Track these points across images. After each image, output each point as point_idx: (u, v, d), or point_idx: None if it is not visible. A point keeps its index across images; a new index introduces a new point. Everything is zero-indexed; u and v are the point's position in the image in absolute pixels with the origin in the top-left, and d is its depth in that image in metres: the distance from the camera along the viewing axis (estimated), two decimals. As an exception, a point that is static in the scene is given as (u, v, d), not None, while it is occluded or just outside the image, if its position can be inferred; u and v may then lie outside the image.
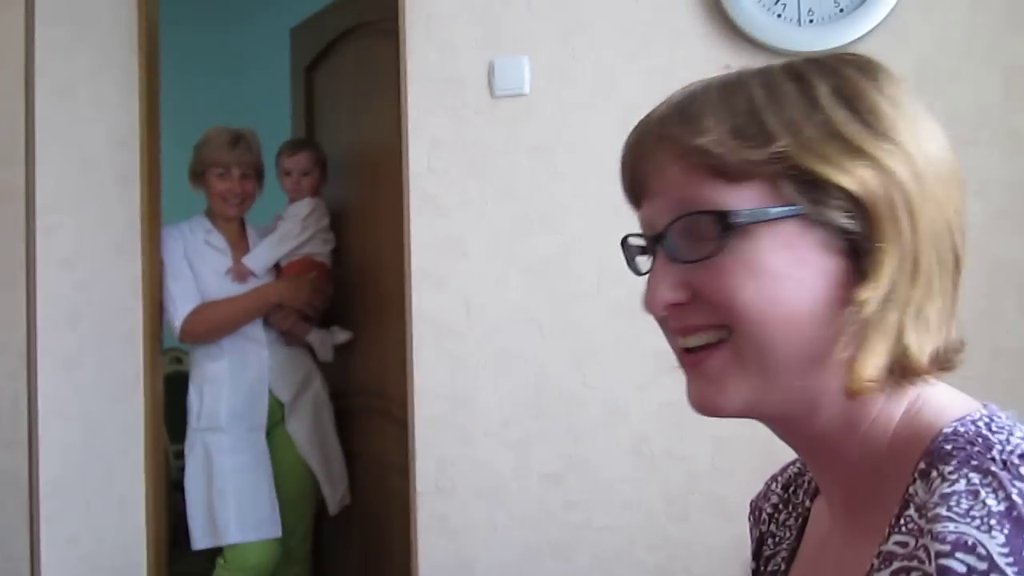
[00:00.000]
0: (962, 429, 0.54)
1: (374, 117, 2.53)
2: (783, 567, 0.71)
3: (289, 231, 2.64)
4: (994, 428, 0.54)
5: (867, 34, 1.81)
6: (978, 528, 0.46)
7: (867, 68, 0.61)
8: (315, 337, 2.68)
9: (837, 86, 0.59)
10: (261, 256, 2.62)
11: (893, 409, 0.58)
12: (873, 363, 0.54)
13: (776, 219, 0.55)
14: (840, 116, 0.57)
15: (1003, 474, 0.48)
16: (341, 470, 2.73)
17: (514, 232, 2.00)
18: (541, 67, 2.00)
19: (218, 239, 2.62)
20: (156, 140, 2.58)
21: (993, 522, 0.46)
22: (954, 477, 0.50)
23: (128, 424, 2.46)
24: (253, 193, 2.65)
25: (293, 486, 2.63)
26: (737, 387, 0.57)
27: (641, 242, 0.63)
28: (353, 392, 2.75)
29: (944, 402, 0.58)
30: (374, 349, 2.58)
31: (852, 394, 0.55)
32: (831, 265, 0.56)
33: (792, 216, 0.56)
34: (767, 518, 0.77)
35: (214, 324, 2.51)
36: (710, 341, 0.58)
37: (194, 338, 2.53)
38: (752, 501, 0.81)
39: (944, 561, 0.45)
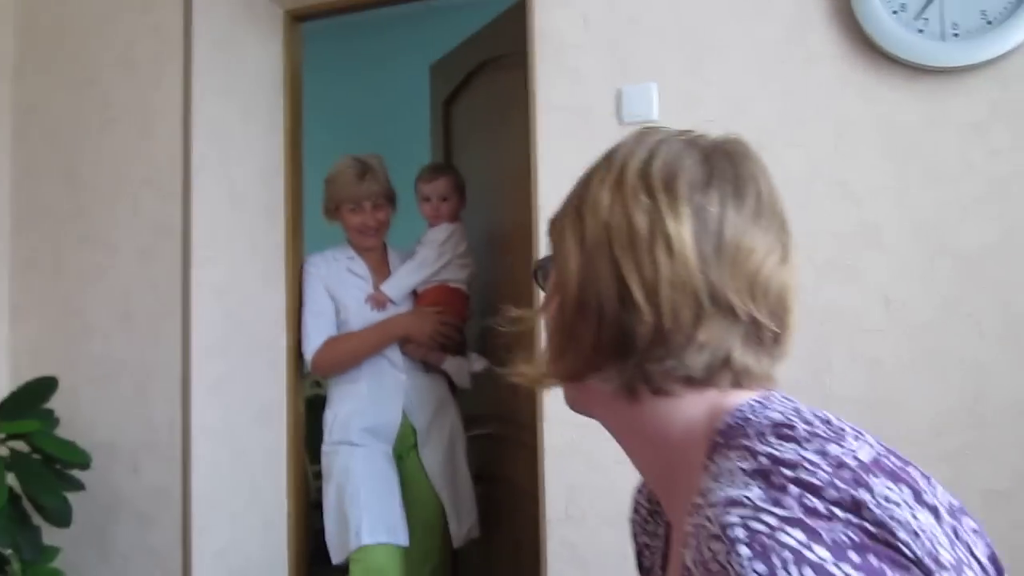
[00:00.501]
0: (731, 422, 0.62)
1: (506, 146, 2.58)
2: (660, 574, 0.77)
3: (427, 257, 2.62)
4: (756, 411, 0.62)
5: (1018, 46, 1.72)
6: (739, 487, 0.53)
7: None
8: (451, 365, 2.64)
9: None
10: (399, 283, 2.61)
11: (695, 427, 0.65)
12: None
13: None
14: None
15: (754, 443, 0.57)
16: (470, 504, 2.67)
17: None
18: (669, 93, 1.99)
19: (360, 266, 2.62)
20: (299, 176, 2.73)
21: (748, 479, 0.54)
22: (721, 460, 0.58)
23: (272, 445, 2.58)
24: (387, 220, 2.64)
25: (421, 514, 2.55)
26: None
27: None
28: (486, 418, 2.79)
29: (729, 405, 0.65)
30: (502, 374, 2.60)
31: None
32: None
33: None
34: (639, 530, 0.82)
35: (339, 358, 2.53)
36: None
37: (323, 371, 2.57)
38: (630, 518, 0.85)
39: (722, 518, 0.52)
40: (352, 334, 2.52)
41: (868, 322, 1.82)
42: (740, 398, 0.65)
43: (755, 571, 0.48)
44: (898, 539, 0.51)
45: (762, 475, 0.53)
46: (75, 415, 2.41)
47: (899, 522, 0.52)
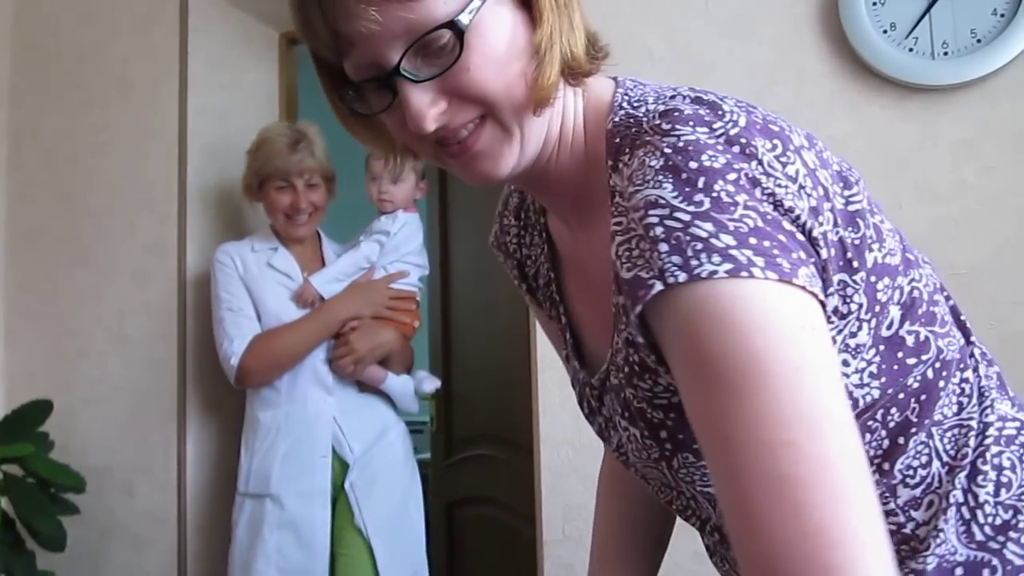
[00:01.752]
0: (618, 119, 0.68)
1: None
2: (551, 274, 0.84)
3: (370, 251, 2.15)
4: (635, 103, 0.68)
5: (1008, 64, 1.73)
6: (653, 187, 0.58)
7: None
8: (395, 385, 2.13)
9: None
10: (333, 277, 2.12)
11: (576, 119, 0.73)
12: (552, 74, 0.66)
13: (482, 5, 0.64)
14: None
15: (653, 139, 0.60)
16: (415, 561, 2.10)
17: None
18: (663, 113, 2.00)
19: (285, 260, 2.13)
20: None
21: (660, 177, 0.58)
22: (629, 159, 0.63)
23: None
24: (323, 204, 2.16)
25: (346, 571, 2.02)
26: (509, 151, 0.68)
27: (368, 84, 0.68)
28: (481, 439, 2.79)
29: (596, 95, 0.73)
30: (500, 394, 2.60)
31: (539, 105, 0.66)
32: (520, 23, 0.66)
33: None
34: (516, 247, 0.90)
35: (275, 358, 2.01)
36: (472, 125, 0.67)
37: (256, 379, 2.02)
38: (492, 243, 0.95)
39: (643, 220, 0.57)
40: (286, 327, 2.03)
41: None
42: (603, 92, 0.74)
43: (672, 263, 0.55)
44: (783, 209, 0.58)
45: (671, 171, 0.58)
46: (70, 438, 2.40)
47: (783, 189, 0.59)
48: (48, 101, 2.63)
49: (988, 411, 0.72)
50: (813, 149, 0.65)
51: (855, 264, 0.64)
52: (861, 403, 0.66)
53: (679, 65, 2.00)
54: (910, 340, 0.68)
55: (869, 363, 0.66)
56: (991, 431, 0.70)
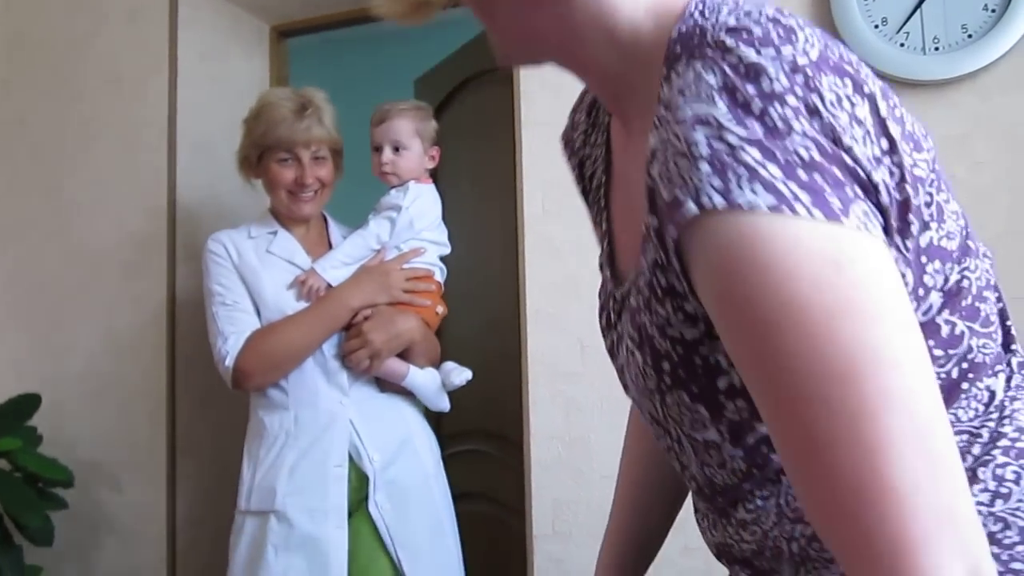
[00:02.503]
0: (684, 29, 0.62)
1: (490, 160, 2.58)
2: (603, 178, 0.83)
3: (381, 229, 1.87)
4: (706, 13, 0.62)
5: (998, 60, 1.73)
6: (705, 103, 0.55)
7: None
8: (420, 379, 1.87)
9: None
10: (340, 261, 1.85)
11: (635, 16, 0.67)
12: None
13: None
14: None
15: (715, 54, 0.56)
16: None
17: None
18: (654, 107, 2.00)
19: (288, 245, 1.87)
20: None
21: (714, 95, 0.55)
22: (684, 70, 0.58)
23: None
24: (330, 180, 1.91)
25: None
26: (494, 36, 0.73)
27: None
28: (470, 434, 2.78)
29: (673, 7, 0.66)
30: (490, 389, 2.60)
31: None
32: None
33: None
34: (581, 144, 0.89)
35: (276, 357, 1.75)
36: None
37: (254, 381, 1.76)
38: (562, 137, 0.93)
39: (688, 136, 0.54)
40: (286, 320, 1.77)
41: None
42: None
43: (711, 185, 0.53)
44: (843, 146, 0.54)
45: (728, 91, 0.55)
46: (58, 432, 2.39)
47: (845, 127, 0.55)
48: (36, 92, 2.61)
49: (1006, 422, 0.66)
50: (887, 100, 0.60)
51: (912, 230, 0.60)
52: None
53: (671, 59, 1.99)
54: (945, 330, 0.64)
55: None
56: (1003, 442, 0.65)
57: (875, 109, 0.58)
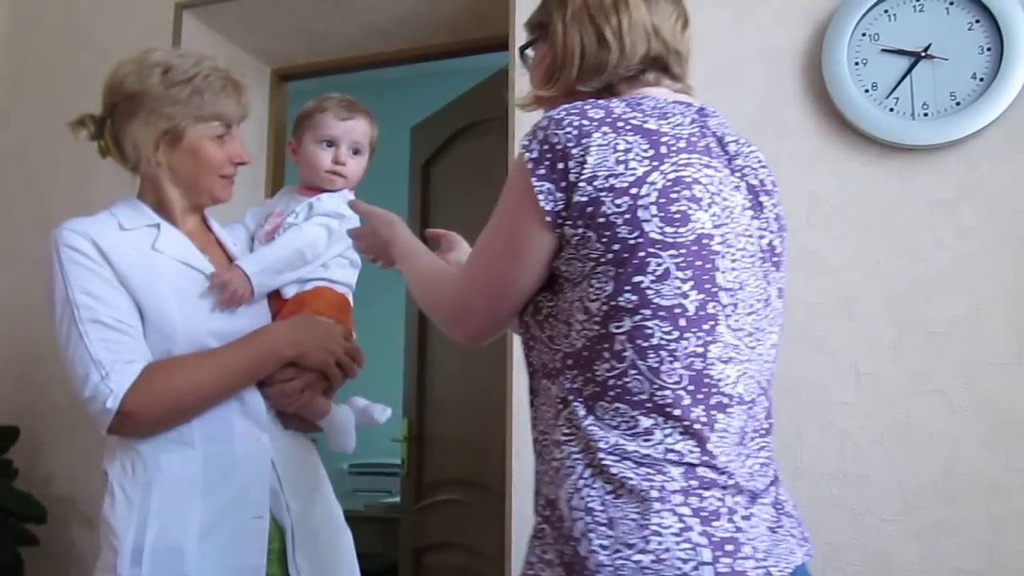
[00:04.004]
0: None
1: (485, 209, 2.59)
2: None
3: (317, 237, 1.54)
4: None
5: (986, 127, 1.76)
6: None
7: None
8: (340, 415, 1.59)
9: None
10: (268, 265, 1.48)
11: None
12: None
13: None
14: None
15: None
16: None
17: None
18: (646, 162, 2.02)
19: (178, 242, 1.43)
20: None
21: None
22: None
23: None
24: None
25: None
26: None
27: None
28: (452, 483, 2.75)
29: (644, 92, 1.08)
30: (472, 437, 2.57)
31: None
32: None
33: None
34: None
35: (183, 400, 1.34)
36: None
37: (144, 428, 1.33)
38: None
39: None
40: (198, 357, 1.36)
41: (838, 394, 1.82)
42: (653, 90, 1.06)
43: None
44: (568, 158, 0.95)
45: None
46: (34, 466, 2.36)
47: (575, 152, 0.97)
48: (36, 126, 2.63)
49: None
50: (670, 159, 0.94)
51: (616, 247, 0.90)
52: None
53: (664, 115, 2.02)
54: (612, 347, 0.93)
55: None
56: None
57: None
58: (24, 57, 2.70)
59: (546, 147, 0.92)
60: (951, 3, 1.83)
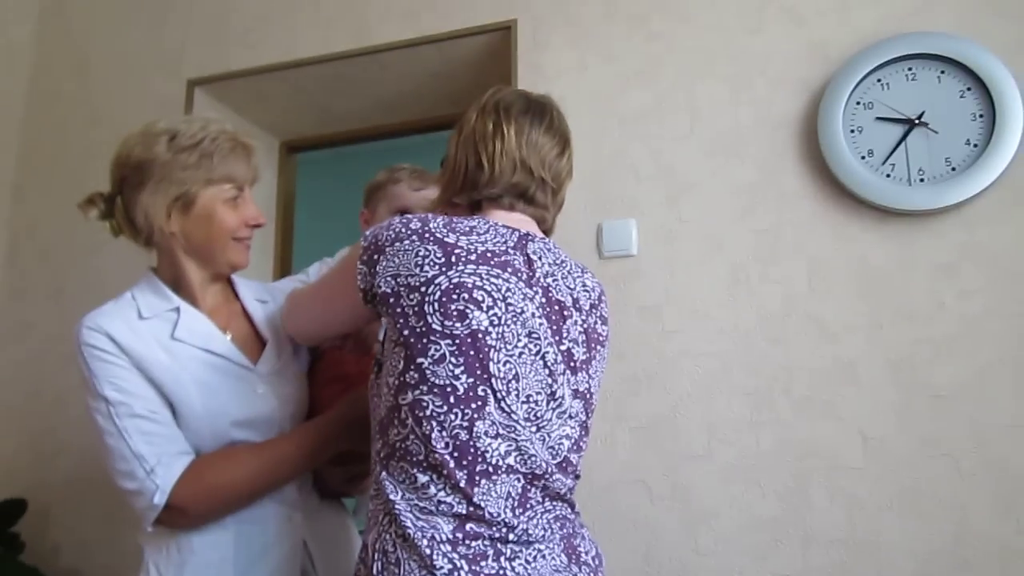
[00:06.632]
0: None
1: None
2: None
3: None
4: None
5: (981, 192, 1.79)
6: None
7: None
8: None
9: None
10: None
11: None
12: None
13: None
14: None
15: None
16: None
17: (623, 392, 2.00)
18: (648, 229, 2.05)
19: (199, 327, 1.39)
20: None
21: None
22: None
23: None
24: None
25: None
26: None
27: None
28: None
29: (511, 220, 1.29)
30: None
31: None
32: None
33: None
34: None
35: (231, 493, 1.31)
36: None
37: (193, 522, 1.31)
38: None
39: None
40: (248, 449, 1.34)
41: (846, 459, 1.81)
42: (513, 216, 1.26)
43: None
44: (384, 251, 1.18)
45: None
46: (42, 538, 2.35)
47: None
48: (50, 200, 2.68)
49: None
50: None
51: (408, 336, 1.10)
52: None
53: (664, 183, 2.06)
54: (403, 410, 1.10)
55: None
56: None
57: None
58: (39, 132, 2.76)
59: (374, 241, 1.16)
60: (942, 72, 1.87)
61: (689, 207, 2.03)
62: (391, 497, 1.06)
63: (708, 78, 2.08)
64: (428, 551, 1.01)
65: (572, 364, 1.18)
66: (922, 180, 1.85)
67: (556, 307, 1.17)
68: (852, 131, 1.91)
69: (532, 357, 1.12)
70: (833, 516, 1.80)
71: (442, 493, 1.05)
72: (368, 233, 1.18)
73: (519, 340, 1.11)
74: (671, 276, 2.00)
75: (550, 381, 1.14)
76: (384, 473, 1.09)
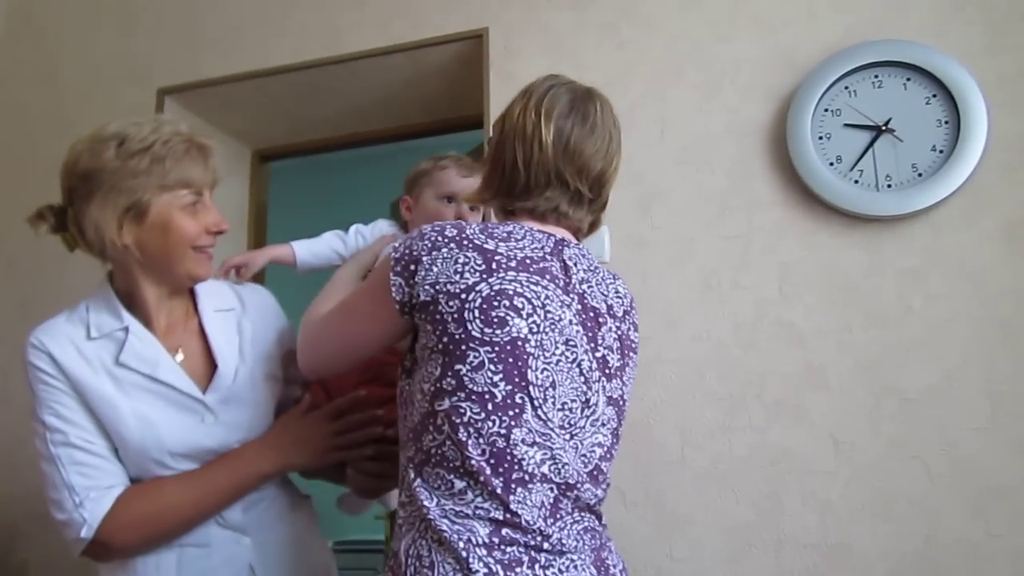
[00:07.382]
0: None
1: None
2: None
3: (358, 241, 1.76)
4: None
5: (947, 197, 1.81)
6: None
7: None
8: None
9: None
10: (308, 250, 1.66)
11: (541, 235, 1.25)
12: None
13: None
14: None
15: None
16: None
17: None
18: (620, 236, 2.06)
19: (147, 352, 1.30)
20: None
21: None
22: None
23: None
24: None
25: None
26: None
27: None
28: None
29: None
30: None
31: None
32: None
33: None
34: None
35: (160, 526, 1.26)
36: None
37: (120, 553, 1.27)
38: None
39: None
40: (175, 480, 1.27)
41: (818, 463, 1.82)
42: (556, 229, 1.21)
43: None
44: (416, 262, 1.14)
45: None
46: (9, 554, 2.31)
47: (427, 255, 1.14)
48: (16, 210, 2.63)
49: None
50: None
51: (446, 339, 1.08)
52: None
53: (635, 191, 2.06)
54: (438, 419, 1.07)
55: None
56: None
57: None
58: (6, 142, 2.73)
59: (407, 252, 1.12)
60: (908, 79, 1.90)
61: (660, 214, 2.04)
62: (425, 503, 1.06)
63: (678, 86, 2.09)
64: (464, 554, 1.01)
65: (607, 371, 1.18)
66: (889, 186, 1.87)
67: (591, 314, 1.16)
68: (820, 138, 1.93)
69: (568, 364, 1.11)
70: (806, 520, 1.81)
71: (479, 499, 1.05)
72: (398, 245, 1.15)
73: (557, 347, 1.10)
74: (643, 283, 2.01)
75: (585, 388, 1.13)
76: (419, 480, 1.08)
